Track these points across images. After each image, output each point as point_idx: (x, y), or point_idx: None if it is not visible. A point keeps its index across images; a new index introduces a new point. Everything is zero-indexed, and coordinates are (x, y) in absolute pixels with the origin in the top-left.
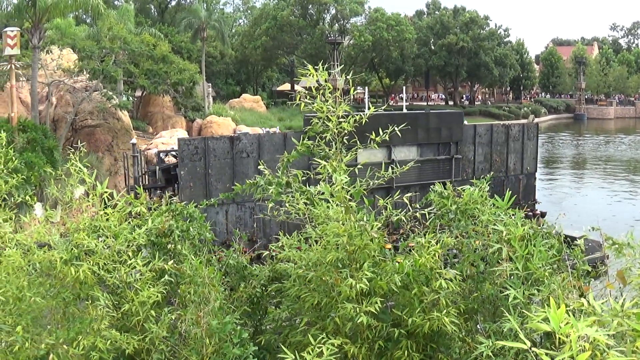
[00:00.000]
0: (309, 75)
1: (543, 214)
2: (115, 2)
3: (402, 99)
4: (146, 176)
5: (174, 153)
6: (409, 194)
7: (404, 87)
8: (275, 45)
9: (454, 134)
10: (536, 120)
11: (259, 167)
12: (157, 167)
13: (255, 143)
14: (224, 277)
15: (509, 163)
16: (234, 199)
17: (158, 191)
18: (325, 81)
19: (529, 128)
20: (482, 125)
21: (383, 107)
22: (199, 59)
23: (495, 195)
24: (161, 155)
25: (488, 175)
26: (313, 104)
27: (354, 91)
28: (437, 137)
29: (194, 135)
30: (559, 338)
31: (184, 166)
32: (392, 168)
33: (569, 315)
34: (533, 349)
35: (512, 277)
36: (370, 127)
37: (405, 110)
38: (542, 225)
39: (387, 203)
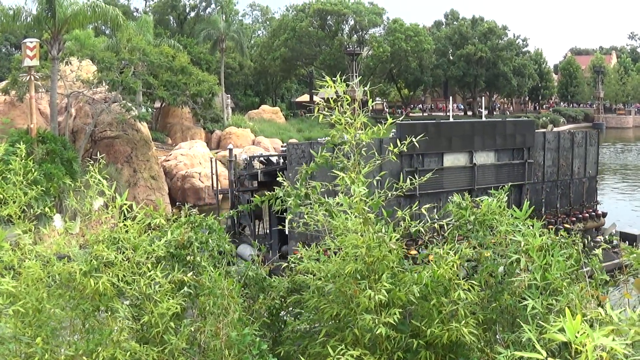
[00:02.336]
0: (327, 86)
1: (604, 214)
2: (135, 14)
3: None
4: (238, 180)
5: (261, 159)
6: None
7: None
8: (294, 57)
9: (527, 141)
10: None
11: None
12: (260, 171)
13: (353, 147)
14: (243, 288)
15: (573, 167)
16: None
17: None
18: (344, 92)
19: (591, 135)
20: (551, 133)
21: (401, 118)
22: (218, 70)
23: (552, 198)
24: (250, 160)
25: (554, 178)
26: (331, 115)
27: (372, 102)
28: (512, 143)
29: (213, 147)
30: (576, 348)
31: (292, 169)
32: (474, 172)
33: (586, 325)
34: (549, 359)
35: (530, 288)
36: (456, 132)
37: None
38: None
39: (405, 214)
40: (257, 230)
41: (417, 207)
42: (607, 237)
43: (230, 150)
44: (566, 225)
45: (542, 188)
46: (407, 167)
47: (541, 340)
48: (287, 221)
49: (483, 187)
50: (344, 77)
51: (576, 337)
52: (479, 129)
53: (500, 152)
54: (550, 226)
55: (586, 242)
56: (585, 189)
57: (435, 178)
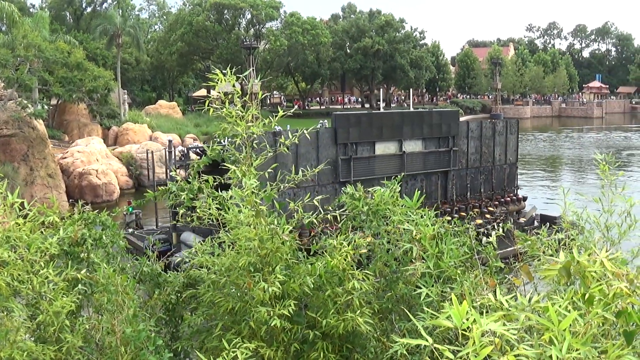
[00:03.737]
0: (218, 80)
1: (525, 198)
2: (31, 10)
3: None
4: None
5: (197, 150)
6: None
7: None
8: (191, 51)
9: (452, 130)
10: None
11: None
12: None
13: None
14: (138, 284)
15: (495, 154)
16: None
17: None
18: (233, 86)
19: (511, 124)
20: (474, 122)
21: (291, 111)
22: (115, 66)
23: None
24: (186, 151)
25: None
26: (222, 109)
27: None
28: (439, 132)
29: (110, 143)
30: (463, 334)
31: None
32: (404, 159)
33: (473, 311)
34: (435, 345)
35: (424, 276)
36: (387, 122)
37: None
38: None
39: (297, 206)
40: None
41: (309, 199)
42: (528, 219)
43: (170, 141)
44: (490, 209)
45: (467, 174)
46: (343, 155)
47: (437, 328)
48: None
49: (412, 173)
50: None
51: (463, 323)
52: (408, 119)
53: (427, 141)
54: (476, 209)
55: (509, 223)
56: (507, 174)
57: (367, 165)
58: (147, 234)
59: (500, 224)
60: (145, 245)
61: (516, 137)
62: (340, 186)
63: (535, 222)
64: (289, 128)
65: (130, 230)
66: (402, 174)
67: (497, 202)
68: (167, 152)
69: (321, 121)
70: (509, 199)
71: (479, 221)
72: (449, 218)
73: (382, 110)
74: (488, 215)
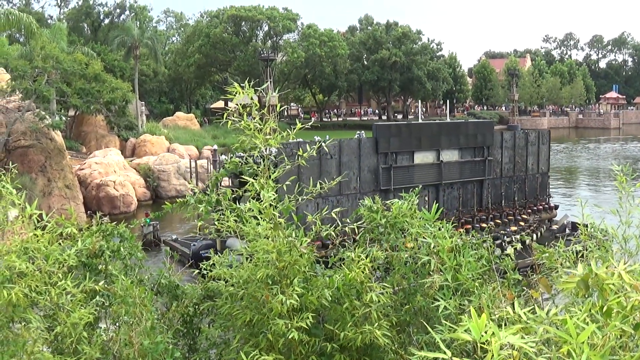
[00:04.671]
0: (235, 92)
1: (556, 207)
2: (49, 21)
3: (334, 113)
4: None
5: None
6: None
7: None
8: (209, 63)
9: (486, 140)
10: None
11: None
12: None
13: (337, 147)
14: (156, 296)
15: (528, 164)
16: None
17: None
18: (251, 99)
19: (543, 134)
20: (507, 132)
21: (310, 124)
22: (132, 78)
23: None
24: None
25: (510, 174)
26: (240, 121)
27: (279, 107)
28: (474, 142)
29: (128, 154)
30: (481, 347)
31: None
32: (441, 168)
33: (492, 324)
34: (453, 358)
35: (442, 289)
36: (425, 132)
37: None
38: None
39: (316, 219)
40: None
41: (327, 211)
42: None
43: (215, 150)
44: (524, 216)
45: (501, 183)
46: (383, 164)
47: (455, 341)
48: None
49: (449, 182)
50: (253, 82)
51: (482, 336)
52: (445, 130)
53: (463, 150)
54: (510, 217)
55: (542, 230)
56: (539, 183)
57: (406, 174)
58: (190, 241)
59: (534, 231)
60: (192, 251)
61: (548, 147)
62: (381, 194)
63: (567, 229)
64: (328, 138)
65: (174, 237)
66: (441, 182)
67: (530, 210)
68: (213, 161)
69: (358, 132)
70: (541, 207)
71: (514, 228)
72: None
73: (420, 121)
74: (522, 223)
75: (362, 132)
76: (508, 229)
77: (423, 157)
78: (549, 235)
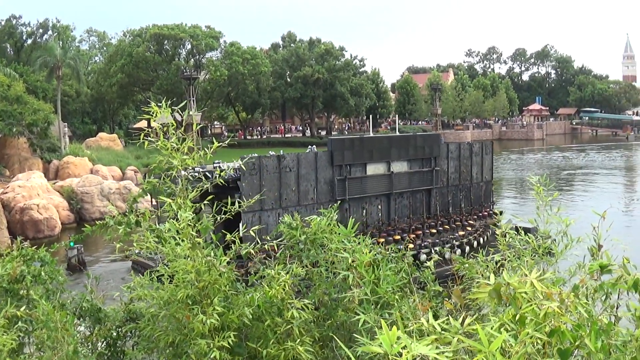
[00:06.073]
0: (154, 113)
1: (500, 212)
2: None
3: (257, 131)
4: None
5: (206, 173)
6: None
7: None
8: (131, 82)
9: (433, 151)
10: None
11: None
12: (210, 183)
13: (295, 160)
14: (79, 320)
15: (472, 173)
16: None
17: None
18: (173, 117)
19: (487, 145)
20: (453, 144)
21: (227, 141)
22: (55, 98)
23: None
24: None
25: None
26: (157, 142)
27: (197, 126)
28: (422, 154)
29: (51, 177)
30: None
31: (244, 179)
32: (392, 179)
33: (404, 336)
34: None
35: (363, 303)
36: (376, 145)
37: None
38: (499, 220)
39: (234, 237)
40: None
41: (245, 229)
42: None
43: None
44: (470, 222)
45: (448, 191)
46: (338, 176)
47: (377, 355)
48: None
49: (399, 191)
50: (178, 101)
51: (393, 348)
52: (395, 142)
53: (412, 162)
54: (457, 223)
55: (488, 235)
56: (483, 191)
57: (360, 184)
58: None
59: (480, 236)
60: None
61: (491, 157)
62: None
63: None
64: (282, 152)
65: (137, 251)
66: (392, 191)
67: (475, 216)
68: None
69: (310, 146)
70: (486, 213)
71: (462, 233)
72: (382, 242)
73: (371, 134)
74: (469, 228)
75: (314, 146)
76: (456, 234)
77: (375, 169)
78: (493, 240)
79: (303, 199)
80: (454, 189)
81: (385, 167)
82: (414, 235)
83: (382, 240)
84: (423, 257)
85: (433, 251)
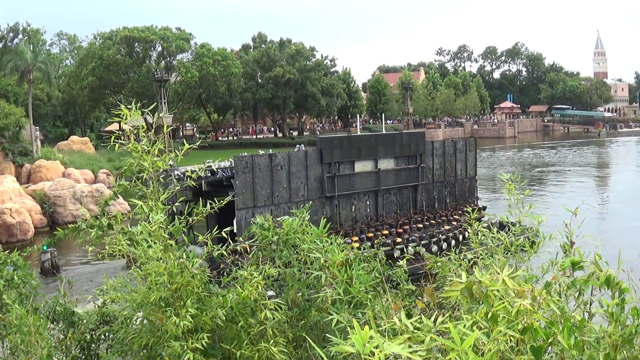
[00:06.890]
0: (124, 115)
1: (484, 208)
2: None
3: (229, 132)
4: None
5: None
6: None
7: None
8: (102, 85)
9: (419, 148)
10: None
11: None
12: (203, 181)
13: (286, 158)
14: (52, 324)
15: (457, 169)
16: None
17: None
18: (144, 120)
19: (470, 143)
20: (438, 141)
21: (197, 143)
22: (26, 102)
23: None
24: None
25: (443, 180)
26: (128, 144)
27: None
28: (408, 151)
29: (23, 181)
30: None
31: (238, 177)
32: (379, 175)
33: (377, 335)
34: None
35: (335, 303)
36: (364, 143)
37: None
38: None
39: (206, 239)
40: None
41: (217, 231)
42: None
43: (171, 165)
44: (455, 217)
45: (433, 187)
46: (328, 173)
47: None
48: None
49: (386, 187)
50: (148, 103)
51: (365, 347)
52: (382, 140)
53: (398, 159)
54: (442, 218)
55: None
56: (467, 187)
57: (348, 181)
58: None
59: (465, 230)
60: None
61: (474, 154)
62: (327, 200)
63: (496, 227)
64: (271, 151)
65: None
66: (379, 188)
67: (460, 212)
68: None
69: (298, 145)
70: (470, 208)
71: (447, 227)
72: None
73: (359, 132)
74: (454, 223)
75: (302, 145)
76: (442, 228)
77: (363, 166)
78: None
79: (294, 195)
80: (439, 185)
81: (373, 164)
82: (401, 230)
83: (370, 235)
84: (397, 253)
85: (420, 246)
